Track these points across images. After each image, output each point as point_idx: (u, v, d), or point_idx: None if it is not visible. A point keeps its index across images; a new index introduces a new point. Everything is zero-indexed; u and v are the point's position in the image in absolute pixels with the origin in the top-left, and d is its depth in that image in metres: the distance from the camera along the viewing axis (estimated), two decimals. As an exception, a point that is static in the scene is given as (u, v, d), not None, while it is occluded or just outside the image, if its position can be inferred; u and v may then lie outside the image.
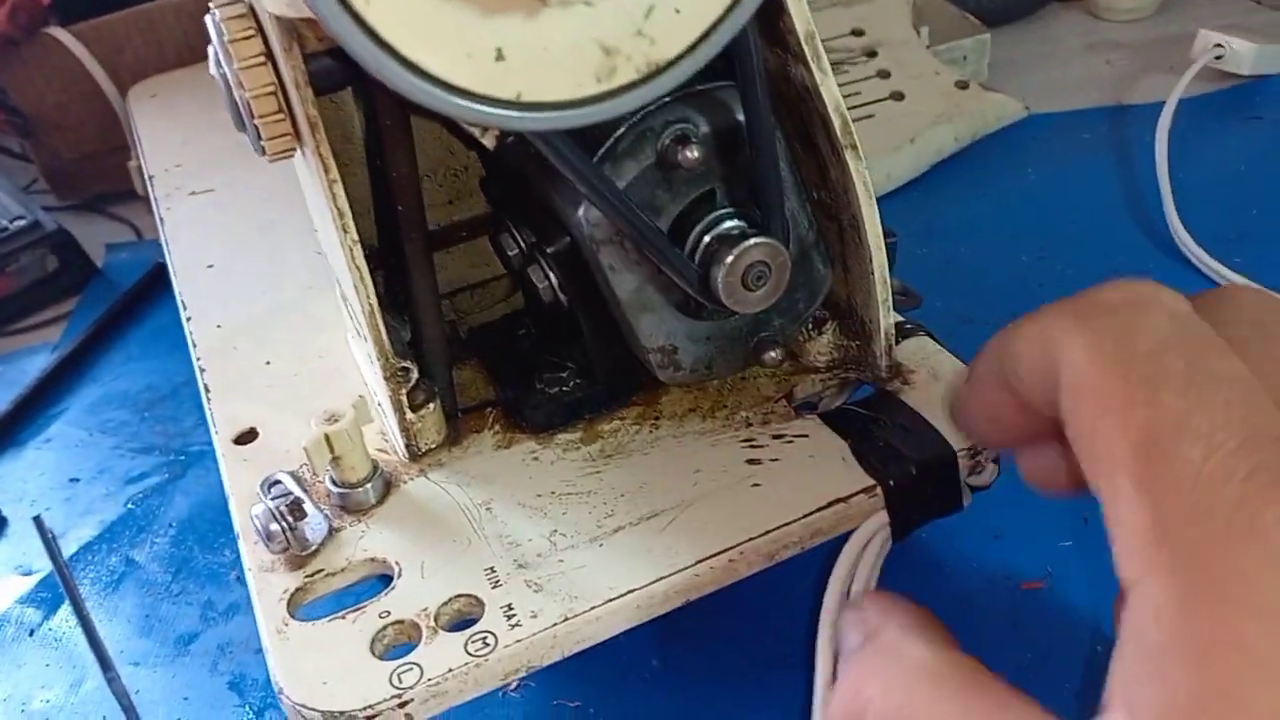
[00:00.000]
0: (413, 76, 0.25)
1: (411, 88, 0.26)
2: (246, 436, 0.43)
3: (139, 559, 0.52)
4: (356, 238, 0.36)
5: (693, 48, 0.28)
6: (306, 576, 0.36)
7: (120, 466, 0.58)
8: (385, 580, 0.36)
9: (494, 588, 0.34)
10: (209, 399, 0.45)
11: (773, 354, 0.39)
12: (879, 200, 0.67)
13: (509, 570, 0.35)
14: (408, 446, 0.40)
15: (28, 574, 0.53)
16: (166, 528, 0.54)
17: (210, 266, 0.54)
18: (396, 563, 0.36)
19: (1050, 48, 0.81)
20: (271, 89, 0.34)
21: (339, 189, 0.35)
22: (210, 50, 0.35)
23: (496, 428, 0.41)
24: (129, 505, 0.55)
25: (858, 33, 0.73)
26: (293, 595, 0.36)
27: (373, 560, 0.37)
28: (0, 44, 0.75)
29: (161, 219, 0.59)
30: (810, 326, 0.41)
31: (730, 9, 0.28)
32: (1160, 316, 0.26)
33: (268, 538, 0.36)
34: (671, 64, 0.28)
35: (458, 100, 0.26)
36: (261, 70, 0.34)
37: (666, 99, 0.34)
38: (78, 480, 0.57)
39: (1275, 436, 0.22)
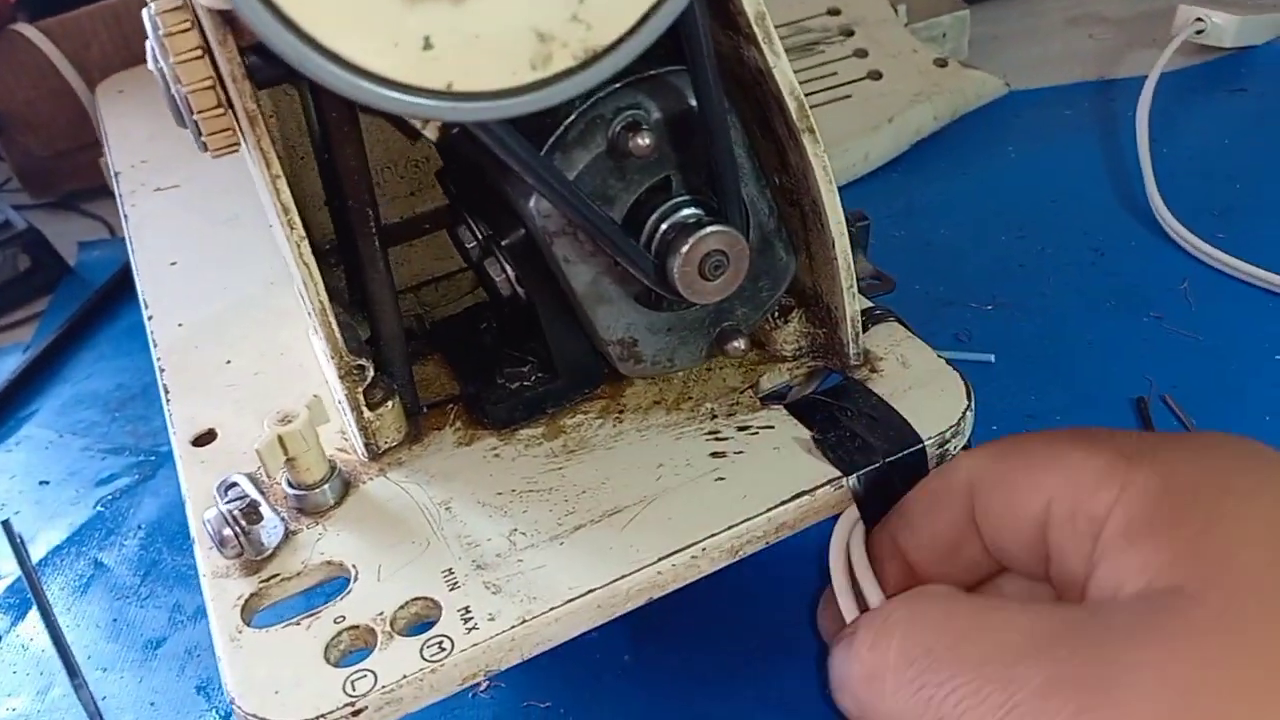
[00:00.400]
0: (337, 68, 0.25)
1: (336, 80, 0.25)
2: (205, 438, 0.42)
3: (108, 562, 0.52)
4: (304, 234, 0.35)
5: (632, 31, 0.27)
6: (261, 581, 0.35)
7: (90, 468, 0.57)
8: (343, 583, 0.35)
9: (451, 590, 0.34)
10: (168, 400, 0.44)
11: (737, 344, 0.38)
12: (857, 182, 0.68)
13: (467, 571, 0.34)
14: (366, 445, 0.39)
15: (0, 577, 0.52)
16: (135, 530, 0.53)
17: (173, 264, 0.53)
18: (353, 566, 0.35)
19: (1032, 22, 0.80)
20: (210, 83, 0.33)
21: (283, 184, 0.34)
22: (148, 45, 0.34)
23: (458, 424, 0.40)
24: (98, 508, 0.55)
25: (834, 11, 0.71)
26: (247, 601, 0.35)
27: (329, 563, 0.36)
28: (-34, 41, 0.74)
29: (126, 216, 0.58)
30: (776, 314, 0.40)
31: (669, -9, 0.27)
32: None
33: (220, 543, 0.35)
34: (610, 49, 0.27)
35: (386, 92, 0.25)
36: (198, 64, 0.33)
37: (617, 84, 0.33)
38: (47, 483, 0.57)
39: None
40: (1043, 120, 0.69)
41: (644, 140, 0.32)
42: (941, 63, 0.69)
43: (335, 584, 0.36)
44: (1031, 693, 0.24)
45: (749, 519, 0.34)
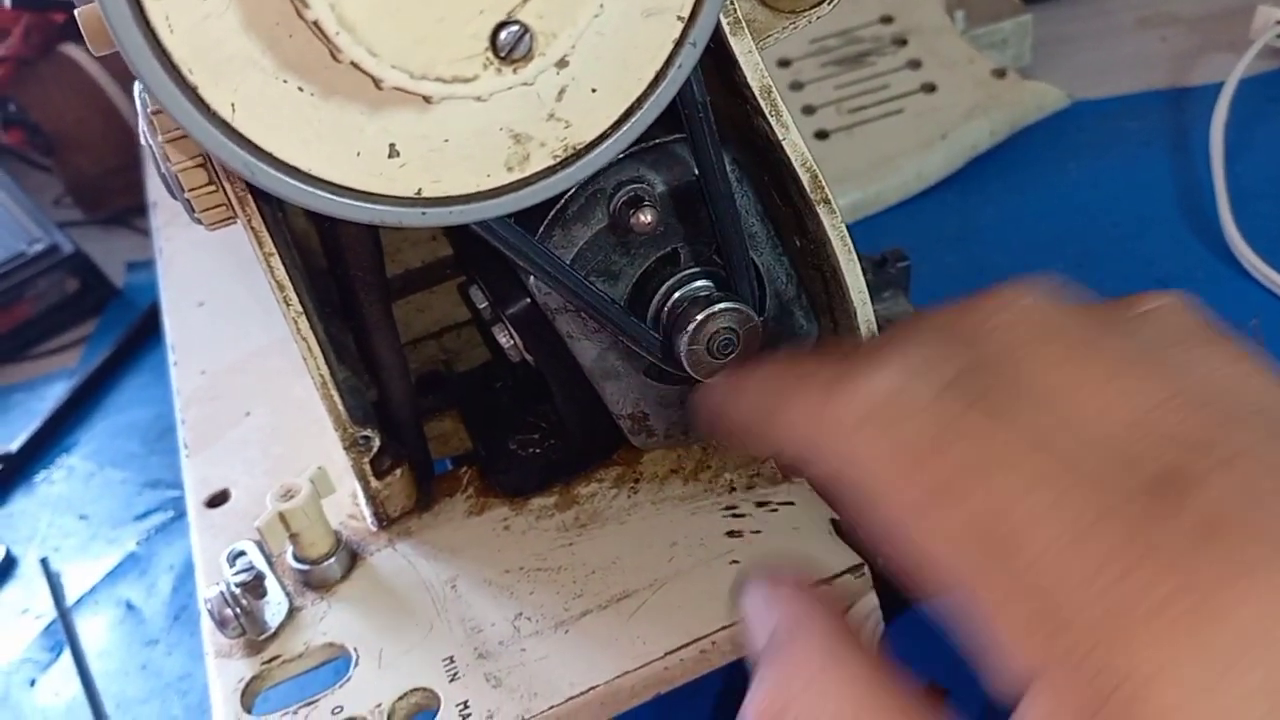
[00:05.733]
0: (293, 180, 0.23)
1: (294, 192, 0.23)
2: (218, 499, 0.41)
3: (139, 604, 0.52)
4: (301, 309, 0.34)
5: (616, 126, 0.25)
6: (264, 663, 0.35)
7: (127, 502, 0.57)
8: (345, 665, 0.35)
9: (451, 681, 0.33)
10: (186, 455, 0.44)
11: (753, 416, 0.36)
12: (908, 202, 0.65)
13: (469, 661, 0.33)
14: (375, 515, 0.38)
15: (36, 618, 0.53)
16: (168, 570, 0.53)
17: (201, 304, 0.53)
18: (355, 649, 0.34)
19: (1101, 23, 0.75)
20: (199, 161, 0.32)
21: (276, 262, 0.33)
22: (139, 121, 0.33)
23: (470, 490, 0.39)
24: (134, 544, 0.55)
25: (886, 19, 0.68)
26: (249, 684, 0.34)
27: (331, 645, 0.35)
28: (16, 64, 0.74)
29: (160, 249, 0.58)
30: (800, 378, 0.38)
31: (653, 86, 0.25)
32: (921, 387, 0.22)
33: (221, 623, 0.35)
34: (593, 145, 0.25)
35: (347, 201, 0.24)
36: (187, 142, 0.31)
37: (621, 155, 0.31)
38: (86, 517, 0.57)
39: (1118, 486, 0.19)
40: (1107, 134, 0.65)
41: (646, 217, 0.31)
42: (1000, 73, 0.65)
43: (339, 662, 0.35)
44: None
45: (762, 609, 0.33)
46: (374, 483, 0.37)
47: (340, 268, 0.37)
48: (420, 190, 0.24)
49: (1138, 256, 0.57)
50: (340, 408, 0.36)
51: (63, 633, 0.51)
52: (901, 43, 0.67)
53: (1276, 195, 0.58)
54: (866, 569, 0.33)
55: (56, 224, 0.72)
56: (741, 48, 0.29)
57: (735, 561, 0.34)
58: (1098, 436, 0.20)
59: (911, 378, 0.22)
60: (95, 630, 0.51)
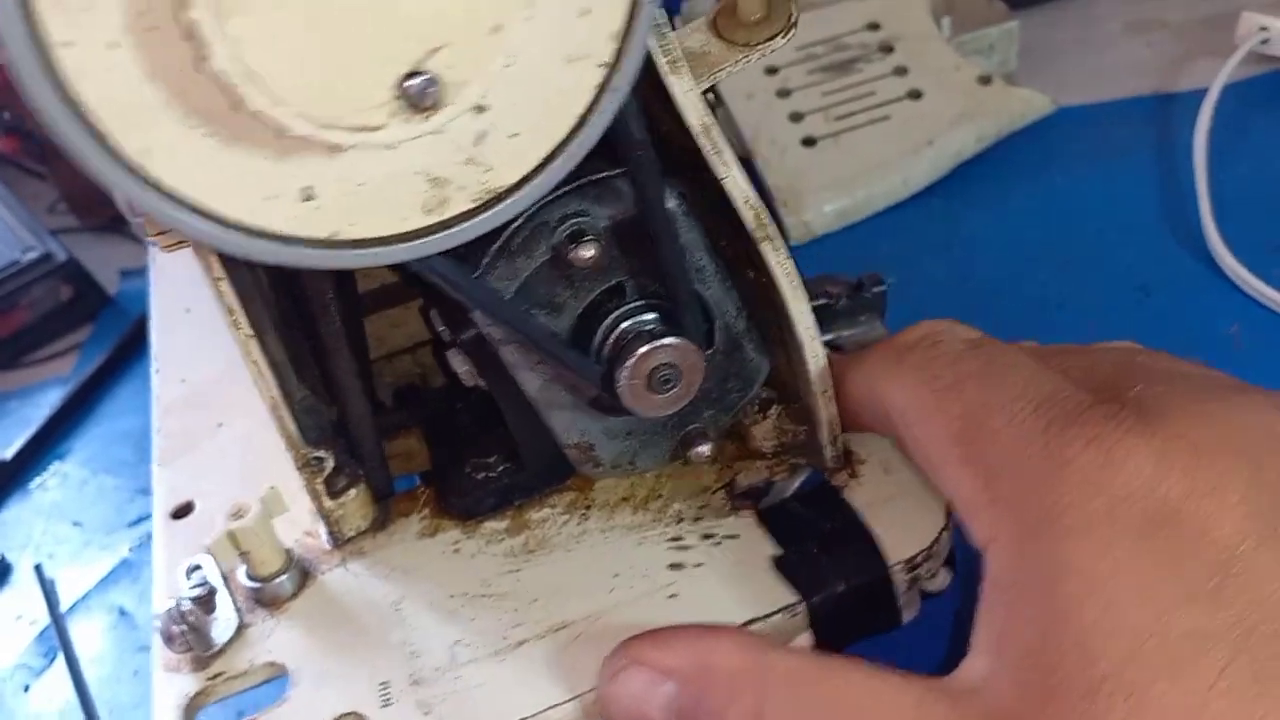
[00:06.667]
0: (207, 225, 0.23)
1: (209, 237, 0.24)
2: (183, 510, 0.42)
3: (132, 610, 0.53)
4: (251, 332, 0.34)
5: (538, 170, 0.25)
6: (209, 679, 0.35)
7: (120, 509, 0.58)
8: (285, 684, 0.35)
9: (384, 706, 0.33)
10: (157, 465, 0.44)
11: (701, 449, 0.36)
12: (894, 209, 0.64)
13: (403, 687, 0.33)
14: (330, 534, 0.38)
15: (30, 624, 0.53)
16: (157, 575, 0.54)
17: (188, 310, 0.53)
18: (296, 669, 0.35)
19: (1087, 30, 0.75)
20: (151, 184, 0.32)
21: (225, 287, 0.33)
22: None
23: (426, 511, 0.39)
24: (128, 550, 0.56)
25: (873, 26, 0.68)
26: (192, 700, 0.35)
27: (273, 664, 0.35)
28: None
29: (154, 257, 0.58)
30: (755, 408, 0.38)
31: (576, 130, 0.25)
32: (952, 340, 0.31)
33: (168, 639, 0.35)
34: (514, 189, 0.25)
35: (263, 244, 0.24)
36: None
37: (562, 190, 0.32)
38: (80, 524, 0.58)
39: (1063, 396, 0.26)
40: (1093, 140, 0.64)
41: (586, 252, 0.31)
42: (985, 80, 0.64)
43: (281, 681, 0.35)
44: None
45: (697, 645, 0.33)
46: (327, 503, 0.38)
47: (297, 287, 0.37)
48: (336, 233, 0.24)
49: (1121, 263, 0.56)
50: (292, 429, 0.36)
51: (56, 639, 0.52)
52: (888, 49, 0.67)
53: (1259, 201, 0.57)
54: (803, 607, 0.33)
55: (50, 231, 0.73)
56: (681, 87, 0.29)
57: (674, 595, 0.34)
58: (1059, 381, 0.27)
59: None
60: (89, 636, 0.52)
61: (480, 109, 0.24)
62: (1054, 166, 0.64)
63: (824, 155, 0.63)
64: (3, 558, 0.56)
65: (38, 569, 0.55)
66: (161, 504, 0.42)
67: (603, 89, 0.25)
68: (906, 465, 0.37)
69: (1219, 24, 0.70)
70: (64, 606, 0.54)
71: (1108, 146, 0.64)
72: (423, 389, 0.46)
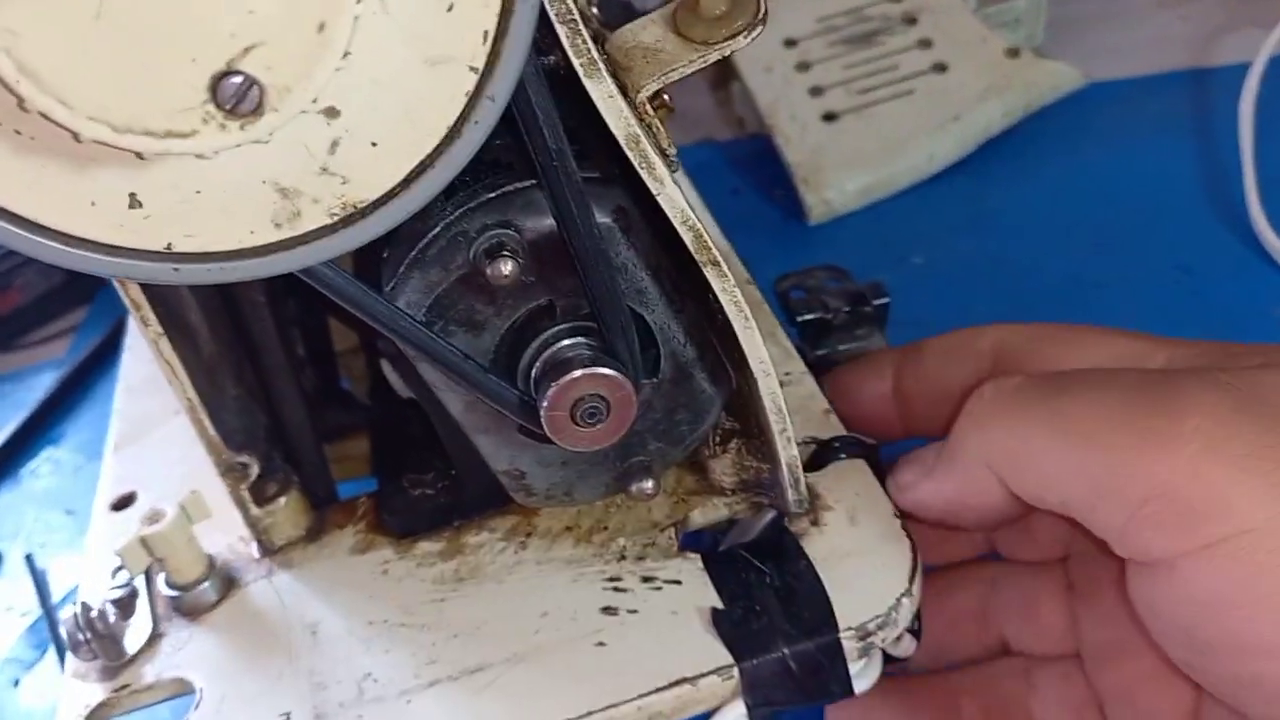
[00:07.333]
0: (18, 229, 0.21)
1: (21, 243, 0.21)
2: (124, 502, 0.40)
3: (124, 601, 0.51)
4: (161, 331, 0.32)
5: (406, 183, 0.22)
6: (114, 690, 0.33)
7: (114, 497, 0.57)
8: (189, 703, 0.33)
9: (278, 741, 0.31)
10: (112, 451, 0.43)
11: (644, 485, 0.32)
12: (920, 186, 0.60)
13: (302, 720, 0.31)
14: (258, 542, 0.36)
15: (21, 615, 0.52)
16: (151, 565, 0.52)
17: (176, 285, 0.52)
18: (201, 689, 0.33)
19: (1116, 3, 0.70)
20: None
21: (130, 283, 0.31)
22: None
23: (362, 524, 0.37)
24: (119, 540, 0.54)
25: None
26: (94, 710, 0.33)
27: (180, 681, 0.33)
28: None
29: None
30: (716, 440, 0.35)
31: (447, 141, 0.22)
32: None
33: (73, 647, 0.33)
34: (379, 204, 0.22)
35: (83, 254, 0.21)
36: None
37: (488, 196, 0.28)
38: (73, 512, 0.56)
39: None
40: (1126, 116, 0.60)
41: (505, 268, 0.28)
42: (1013, 53, 0.60)
43: (185, 699, 0.33)
44: None
45: (615, 705, 0.30)
46: (253, 510, 0.35)
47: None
48: (170, 245, 0.22)
49: (1159, 243, 0.53)
50: (212, 433, 0.34)
51: (48, 631, 0.51)
52: (911, 21, 0.63)
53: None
54: (736, 671, 0.30)
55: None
56: (599, 92, 0.25)
57: (602, 644, 0.31)
58: None
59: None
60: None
61: (331, 114, 0.21)
62: (1086, 143, 0.60)
63: (846, 130, 0.60)
64: (-7, 547, 0.56)
65: (29, 559, 0.54)
66: (104, 494, 0.40)
67: (475, 96, 0.21)
68: (877, 517, 0.33)
69: (1255, -4, 0.64)
70: (56, 598, 0.52)
71: (1143, 122, 0.60)
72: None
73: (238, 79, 0.19)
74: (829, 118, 0.61)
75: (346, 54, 0.19)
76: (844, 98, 0.61)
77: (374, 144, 0.22)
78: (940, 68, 0.61)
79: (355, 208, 0.22)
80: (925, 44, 0.62)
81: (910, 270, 0.56)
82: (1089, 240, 0.55)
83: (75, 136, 0.19)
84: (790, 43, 0.63)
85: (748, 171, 0.64)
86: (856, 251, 0.57)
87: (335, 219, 0.22)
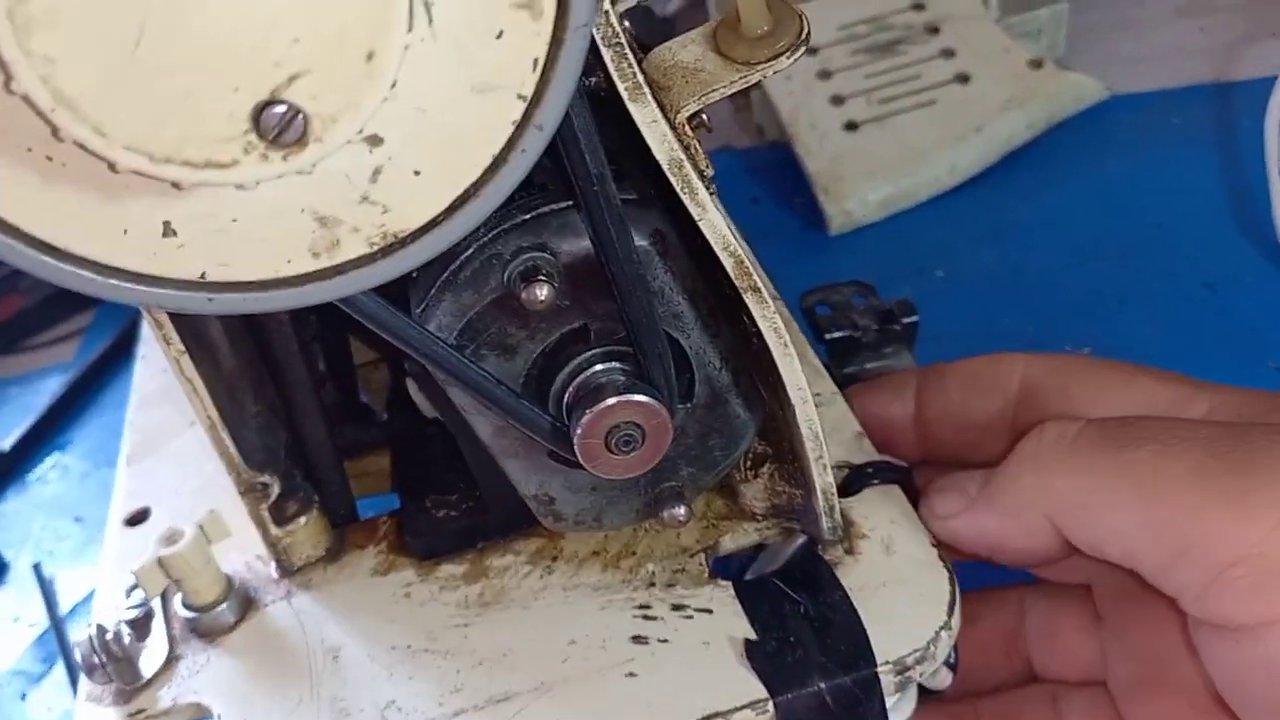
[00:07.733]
0: (50, 259, 0.20)
1: (52, 272, 0.20)
2: (138, 517, 0.39)
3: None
4: (183, 348, 0.31)
5: (449, 213, 0.21)
6: (130, 715, 0.33)
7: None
8: (210, 728, 0.32)
9: (300, 772, 0.30)
10: (125, 464, 0.42)
11: (676, 511, 0.32)
12: (941, 197, 0.60)
13: (324, 751, 0.30)
14: (277, 563, 0.35)
15: (29, 626, 0.51)
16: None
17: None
18: (219, 715, 0.32)
19: (1137, 13, 0.69)
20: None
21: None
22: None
23: (384, 545, 0.36)
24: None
25: (918, 6, 0.63)
26: (108, 736, 0.32)
27: (197, 706, 0.33)
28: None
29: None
30: (747, 464, 0.34)
31: (492, 170, 0.21)
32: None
33: (88, 671, 0.33)
34: (420, 234, 0.22)
35: (116, 283, 0.21)
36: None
37: (523, 218, 0.28)
38: (81, 520, 0.56)
39: None
40: (1149, 129, 0.60)
41: (539, 293, 0.27)
42: (1036, 64, 0.60)
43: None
44: None
45: (646, 739, 0.29)
46: (273, 530, 0.35)
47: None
48: (204, 274, 0.21)
49: (1183, 258, 0.52)
50: (232, 452, 0.33)
51: (56, 643, 0.50)
52: (934, 31, 0.62)
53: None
54: (771, 705, 0.29)
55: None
56: (644, 116, 0.24)
57: (632, 674, 0.31)
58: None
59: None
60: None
61: (374, 142, 0.20)
62: (1108, 155, 0.60)
63: (867, 140, 0.60)
64: None
65: (36, 568, 0.53)
66: (118, 509, 0.40)
67: (521, 126, 0.20)
68: (913, 545, 0.32)
69: (1276, 6, 0.65)
70: (64, 608, 0.51)
71: (1165, 135, 0.60)
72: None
73: (281, 108, 0.18)
74: (850, 127, 0.60)
75: (394, 84, 0.19)
76: (865, 107, 0.61)
77: (417, 172, 0.21)
78: (963, 78, 0.60)
79: (395, 237, 0.21)
80: (948, 54, 0.62)
81: (931, 282, 0.56)
82: (1112, 254, 0.54)
83: (111, 166, 0.18)
84: (811, 51, 0.63)
85: (767, 180, 0.64)
86: (877, 263, 0.57)
87: (375, 248, 0.22)
